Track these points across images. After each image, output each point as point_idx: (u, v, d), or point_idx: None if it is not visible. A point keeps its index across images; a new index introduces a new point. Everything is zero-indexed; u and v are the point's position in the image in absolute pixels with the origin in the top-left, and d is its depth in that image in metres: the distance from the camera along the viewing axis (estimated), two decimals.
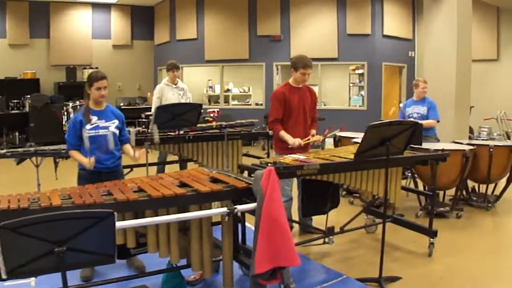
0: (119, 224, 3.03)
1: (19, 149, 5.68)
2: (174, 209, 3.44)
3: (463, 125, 10.34)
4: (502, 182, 7.38)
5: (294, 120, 5.58)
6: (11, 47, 15.10)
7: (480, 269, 4.92)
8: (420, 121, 6.80)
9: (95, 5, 16.05)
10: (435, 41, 10.38)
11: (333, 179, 4.53)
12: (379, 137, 4.16)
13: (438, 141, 7.49)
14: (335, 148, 7.17)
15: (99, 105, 4.62)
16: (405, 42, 14.71)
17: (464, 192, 7.39)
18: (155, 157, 7.75)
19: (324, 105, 14.96)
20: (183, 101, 7.73)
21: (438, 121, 7.40)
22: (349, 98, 15.22)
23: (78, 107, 11.45)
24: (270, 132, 6.00)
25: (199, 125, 6.70)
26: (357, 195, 7.26)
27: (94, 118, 4.54)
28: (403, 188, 5.71)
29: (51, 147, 5.70)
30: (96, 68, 14.97)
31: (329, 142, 9.18)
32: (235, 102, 16.36)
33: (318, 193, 5.07)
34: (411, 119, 7.19)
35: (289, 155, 4.80)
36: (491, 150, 6.85)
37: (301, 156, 4.67)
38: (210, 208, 3.62)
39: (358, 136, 6.81)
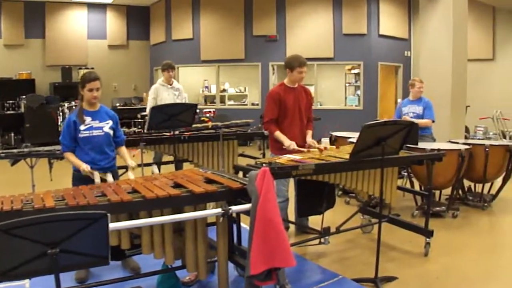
0: (112, 225, 3.01)
1: (14, 150, 5.65)
2: (169, 210, 3.43)
3: (459, 125, 10.34)
4: (498, 181, 7.38)
5: (290, 120, 5.56)
6: (6, 48, 15.06)
7: (476, 269, 4.92)
8: (415, 120, 6.82)
9: (90, 5, 16.02)
10: (431, 41, 10.38)
11: (329, 179, 4.52)
12: (374, 137, 4.15)
13: (434, 140, 7.49)
14: (331, 147, 7.15)
15: (93, 106, 4.60)
16: (401, 41, 14.72)
17: (460, 192, 7.38)
18: (150, 158, 7.72)
19: (320, 105, 14.95)
20: (178, 101, 7.71)
21: (433, 121, 7.40)
22: (345, 98, 15.22)
23: (74, 107, 11.42)
24: (266, 133, 5.98)
25: (194, 125, 6.67)
26: (353, 195, 7.24)
27: (88, 119, 4.52)
28: (399, 188, 5.70)
29: (46, 148, 5.67)
30: (92, 68, 14.94)
31: (325, 142, 9.17)
32: (231, 102, 16.33)
33: (314, 193, 5.06)
34: (406, 117, 7.22)
35: (284, 155, 4.78)
36: (487, 149, 6.85)
37: (296, 156, 4.66)
38: (205, 209, 3.60)
39: (354, 136, 6.80)
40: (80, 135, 4.44)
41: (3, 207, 2.99)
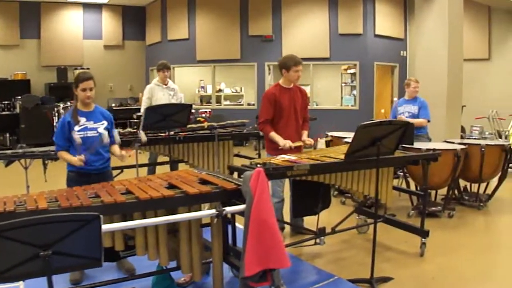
0: (106, 227, 3.00)
1: (8, 151, 5.61)
2: (163, 211, 3.41)
3: (455, 124, 10.35)
4: (494, 181, 7.39)
5: (285, 121, 5.55)
6: (1, 48, 15.02)
7: (472, 269, 4.91)
8: (411, 120, 6.82)
9: (86, 5, 15.98)
10: (426, 41, 10.39)
11: (324, 179, 4.51)
12: (369, 137, 4.13)
13: (430, 140, 7.49)
14: (326, 148, 7.15)
15: (87, 106, 4.57)
16: (397, 41, 14.72)
17: (456, 192, 7.38)
18: (146, 158, 7.70)
19: (316, 105, 14.97)
20: (173, 101, 7.69)
21: (428, 121, 7.39)
22: (341, 98, 15.23)
23: (69, 108, 11.39)
24: (261, 133, 5.97)
25: (189, 125, 6.65)
26: (349, 195, 7.24)
27: (82, 120, 4.49)
28: (395, 188, 5.69)
29: (40, 149, 5.63)
30: (88, 68, 14.90)
31: (321, 142, 9.17)
32: (227, 102, 16.32)
33: (309, 193, 5.05)
34: (402, 117, 7.20)
35: (280, 156, 4.77)
36: (482, 149, 6.85)
37: (291, 157, 4.64)
38: (199, 209, 3.58)
39: (350, 136, 6.79)
40: (75, 136, 4.41)
41: None
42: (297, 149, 5.51)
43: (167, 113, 5.89)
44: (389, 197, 5.10)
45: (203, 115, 13.35)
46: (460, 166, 6.59)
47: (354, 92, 14.52)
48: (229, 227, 4.12)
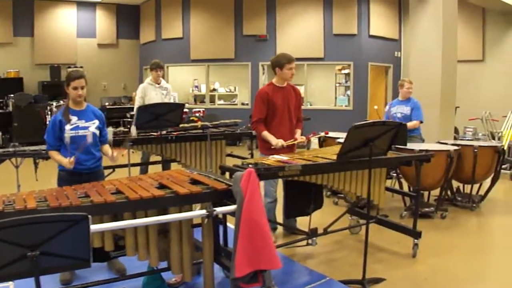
0: (95, 227, 2.97)
1: None
2: (153, 211, 3.38)
3: (448, 125, 10.37)
4: (487, 182, 7.39)
5: (279, 120, 5.53)
6: None
7: (464, 270, 4.91)
8: (403, 123, 6.80)
9: (80, 4, 15.95)
10: (421, 42, 10.40)
11: (316, 180, 4.49)
12: (362, 138, 4.12)
13: (423, 141, 7.49)
14: (320, 148, 7.13)
15: (79, 104, 4.54)
16: (391, 42, 14.73)
17: (449, 192, 7.38)
18: (138, 158, 7.67)
19: (310, 105, 14.96)
20: (166, 101, 7.65)
21: (421, 122, 7.38)
22: (335, 98, 15.23)
23: (62, 106, 11.35)
24: (254, 132, 5.95)
25: (182, 125, 6.62)
26: (342, 195, 7.23)
27: (74, 118, 4.45)
28: (388, 188, 5.68)
29: (31, 148, 5.60)
30: (81, 67, 14.88)
31: (315, 142, 9.15)
32: (221, 101, 16.31)
33: (301, 194, 5.03)
34: (395, 120, 7.19)
35: (272, 156, 4.75)
36: (475, 150, 6.85)
37: (284, 157, 4.63)
38: (190, 210, 3.56)
39: (343, 136, 6.77)
40: (66, 135, 4.38)
41: None
42: (290, 149, 5.50)
43: (159, 112, 5.86)
44: (381, 198, 5.08)
45: (197, 114, 13.32)
46: (453, 167, 6.59)
47: (348, 92, 14.53)
48: (221, 228, 4.11)
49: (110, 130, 4.98)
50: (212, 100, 16.06)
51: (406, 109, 7.39)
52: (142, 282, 4.19)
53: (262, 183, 4.72)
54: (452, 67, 10.30)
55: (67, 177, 4.38)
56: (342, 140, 6.01)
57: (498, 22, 14.02)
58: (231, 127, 7.22)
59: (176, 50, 15.41)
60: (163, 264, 3.80)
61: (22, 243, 2.39)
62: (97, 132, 4.58)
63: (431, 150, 5.93)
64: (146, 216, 3.34)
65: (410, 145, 6.34)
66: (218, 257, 3.91)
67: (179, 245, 3.57)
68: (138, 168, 7.57)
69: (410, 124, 7.08)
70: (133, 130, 5.96)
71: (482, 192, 7.44)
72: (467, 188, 7.41)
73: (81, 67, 15.11)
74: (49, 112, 13.32)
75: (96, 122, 4.58)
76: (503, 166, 8.47)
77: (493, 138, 10.73)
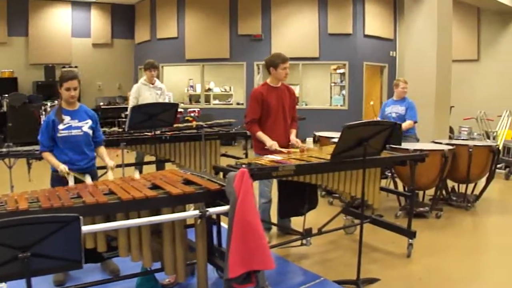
0: (87, 228, 2.96)
1: None
2: (146, 212, 3.36)
3: (443, 125, 10.37)
4: (482, 181, 7.39)
5: (273, 120, 5.52)
6: None
7: (459, 270, 4.90)
8: (398, 123, 6.79)
9: (74, 3, 15.93)
10: (415, 41, 10.40)
11: (310, 180, 4.47)
12: (356, 138, 4.10)
13: (418, 141, 7.49)
14: (314, 148, 7.12)
15: (72, 105, 4.51)
16: (387, 42, 14.75)
17: (443, 192, 7.38)
18: (132, 158, 7.64)
19: (306, 104, 14.96)
20: (160, 100, 7.63)
21: (415, 122, 7.37)
22: (330, 98, 15.26)
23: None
24: (249, 132, 5.93)
25: (176, 125, 6.60)
26: (337, 195, 7.22)
27: (67, 118, 4.43)
28: (382, 188, 5.67)
29: (24, 148, 5.57)
30: (76, 67, 14.85)
31: (309, 141, 9.16)
32: (216, 101, 16.29)
33: (295, 194, 5.01)
34: (389, 119, 7.18)
35: (266, 156, 4.74)
36: (470, 150, 6.85)
37: (277, 157, 4.61)
38: (183, 210, 3.54)
39: (338, 136, 6.77)
40: (59, 135, 4.36)
41: None
42: (285, 148, 5.49)
43: (153, 112, 5.84)
44: (376, 197, 5.06)
45: (192, 114, 13.29)
46: (447, 167, 6.60)
47: (344, 92, 14.55)
48: (215, 228, 4.09)
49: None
50: (207, 100, 16.05)
51: (401, 109, 7.39)
52: (135, 283, 4.16)
53: (256, 183, 4.72)
54: (447, 67, 10.31)
55: (60, 178, 4.34)
56: (336, 140, 6.02)
57: (493, 22, 14.04)
58: (226, 127, 7.20)
59: (171, 50, 15.40)
60: (157, 265, 3.78)
61: (13, 245, 2.37)
62: (90, 132, 4.55)
63: (425, 149, 5.94)
64: (139, 217, 3.32)
65: (404, 145, 6.35)
66: (211, 257, 3.90)
67: (172, 245, 3.56)
68: (132, 168, 7.54)
69: (404, 125, 7.08)
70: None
71: (477, 192, 7.43)
72: (462, 187, 7.40)
73: (76, 67, 15.09)
74: (43, 112, 13.29)
75: (89, 122, 4.56)
76: (498, 166, 8.47)
77: (488, 138, 10.74)
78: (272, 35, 14.42)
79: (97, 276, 4.40)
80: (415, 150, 5.87)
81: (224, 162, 5.54)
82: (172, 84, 15.34)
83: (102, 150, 4.72)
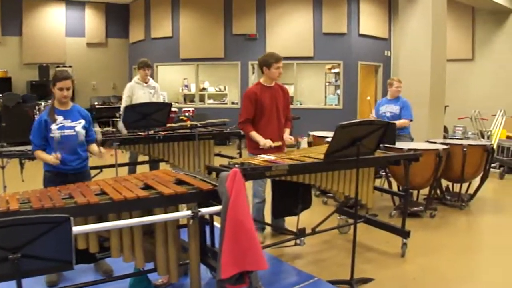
0: (79, 228, 2.94)
1: None
2: (138, 212, 3.34)
3: (438, 124, 10.39)
4: (476, 181, 7.40)
5: (267, 119, 5.51)
6: None
7: (453, 269, 4.90)
8: (393, 122, 6.80)
9: (68, 3, 15.87)
10: (410, 41, 10.41)
11: (303, 179, 4.45)
12: (349, 137, 4.09)
13: (412, 140, 7.49)
14: (308, 147, 7.12)
15: (65, 104, 4.50)
16: (381, 41, 14.75)
17: (438, 192, 7.39)
18: (126, 158, 7.62)
19: (300, 104, 14.94)
20: (154, 100, 7.61)
21: (411, 120, 7.38)
22: (325, 97, 15.25)
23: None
24: (243, 132, 5.92)
25: (169, 124, 6.58)
26: (331, 195, 7.20)
27: (59, 118, 4.41)
28: (376, 188, 5.67)
29: (17, 148, 5.54)
30: (70, 66, 14.82)
31: (304, 141, 9.15)
32: (211, 101, 16.26)
33: (289, 194, 5.00)
34: (384, 119, 7.17)
35: (259, 156, 4.73)
36: (464, 149, 6.85)
37: (271, 157, 4.59)
38: (176, 210, 3.52)
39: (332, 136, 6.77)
40: (51, 135, 4.34)
41: None
42: (279, 148, 5.48)
43: (147, 112, 5.82)
44: (370, 197, 5.05)
45: (186, 114, 13.28)
46: (442, 166, 6.60)
47: (338, 91, 14.54)
48: (208, 228, 4.08)
49: (98, 131, 4.92)
50: (201, 100, 16.01)
51: (395, 108, 7.39)
52: (128, 283, 4.15)
53: (250, 183, 4.71)
54: (441, 66, 10.32)
55: (53, 178, 4.35)
56: (330, 140, 6.02)
57: (487, 22, 14.05)
58: (220, 126, 7.18)
59: (166, 49, 15.36)
60: (150, 266, 3.76)
61: (4, 246, 2.37)
62: (83, 131, 4.53)
63: (420, 149, 5.94)
64: (131, 217, 3.30)
65: (399, 144, 6.35)
66: (204, 257, 3.88)
67: (164, 246, 3.54)
68: (126, 168, 7.52)
69: (399, 123, 7.09)
70: (121, 127, 5.87)
71: (471, 191, 7.43)
72: (456, 187, 7.40)
73: (70, 66, 15.05)
74: (37, 112, 13.20)
75: (82, 121, 4.54)
76: (492, 165, 8.48)
77: (483, 137, 10.75)
78: (266, 35, 14.40)
79: (90, 277, 4.39)
80: (409, 150, 5.87)
81: (218, 162, 5.51)
82: (167, 83, 15.31)
83: (93, 145, 4.70)
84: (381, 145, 4.62)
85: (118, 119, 13.17)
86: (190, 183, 3.66)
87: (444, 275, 4.73)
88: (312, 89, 15.67)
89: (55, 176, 4.35)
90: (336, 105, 14.51)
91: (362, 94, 14.29)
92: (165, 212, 3.41)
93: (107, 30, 16.64)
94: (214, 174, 4.29)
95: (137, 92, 7.55)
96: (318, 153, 4.78)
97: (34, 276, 2.61)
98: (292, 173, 4.29)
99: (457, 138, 11.10)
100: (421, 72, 10.01)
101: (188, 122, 7.21)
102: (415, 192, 7.15)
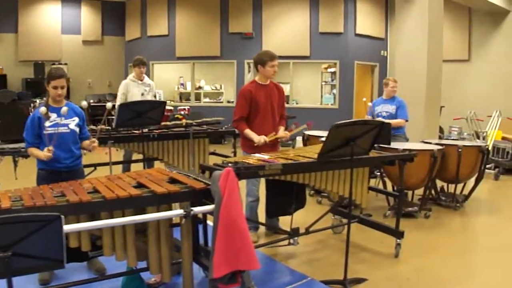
0: (70, 227, 2.93)
1: None
2: (130, 211, 3.32)
3: (433, 125, 10.39)
4: (471, 182, 7.40)
5: (262, 118, 5.50)
6: None
7: (447, 270, 4.90)
8: (388, 121, 6.81)
9: (64, 0, 15.78)
10: (406, 41, 10.41)
11: (297, 179, 4.44)
12: (343, 137, 4.08)
13: (407, 140, 7.49)
14: (303, 147, 7.11)
15: (59, 102, 4.47)
16: (378, 41, 14.74)
17: (432, 192, 7.39)
18: (121, 156, 7.60)
19: (296, 103, 14.94)
20: (149, 97, 7.60)
21: (406, 120, 7.38)
22: (321, 97, 15.24)
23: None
24: (237, 131, 5.91)
25: (163, 123, 6.57)
26: (325, 194, 7.19)
27: (53, 115, 4.39)
28: (371, 188, 5.66)
29: (10, 146, 5.52)
30: (66, 64, 14.79)
31: (300, 141, 9.14)
32: (207, 99, 16.24)
33: (283, 193, 4.98)
34: (380, 118, 7.16)
35: (253, 155, 4.71)
36: (459, 150, 6.85)
37: (265, 156, 4.58)
38: (169, 209, 3.51)
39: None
40: (45, 132, 4.32)
41: None
42: (274, 146, 5.47)
43: (141, 110, 5.81)
44: (364, 197, 5.04)
45: (182, 112, 13.26)
46: (437, 167, 6.60)
47: (334, 91, 14.54)
48: (201, 227, 4.06)
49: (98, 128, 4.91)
50: (197, 98, 15.98)
51: (391, 108, 7.38)
52: (121, 282, 4.13)
53: (244, 182, 4.69)
54: (437, 67, 10.33)
55: (46, 176, 4.33)
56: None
57: (484, 22, 14.07)
58: (215, 125, 7.17)
59: (162, 47, 15.33)
60: (143, 264, 3.75)
61: None
62: (77, 129, 4.51)
63: (414, 149, 5.93)
64: (123, 216, 3.28)
65: (394, 144, 6.35)
66: (197, 256, 3.86)
67: (157, 245, 3.52)
68: (120, 167, 7.51)
69: (394, 122, 7.09)
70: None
71: (466, 192, 7.45)
72: (451, 187, 7.39)
73: (66, 64, 15.01)
74: (32, 109, 13.19)
75: (76, 119, 4.52)
76: (488, 166, 8.48)
77: (478, 138, 10.76)
78: (263, 33, 14.39)
79: (82, 275, 4.37)
80: (404, 150, 5.87)
81: (213, 160, 5.51)
82: (163, 81, 15.29)
83: (85, 141, 4.67)
84: (376, 145, 4.60)
85: (113, 117, 13.16)
86: (183, 182, 3.65)
87: (438, 276, 4.73)
88: (308, 89, 15.66)
89: (49, 174, 4.33)
90: (332, 104, 14.50)
91: (358, 93, 14.29)
92: (158, 211, 3.39)
93: (103, 28, 16.57)
94: (207, 173, 4.28)
95: (132, 89, 7.53)
96: (313, 152, 4.76)
97: (25, 274, 2.59)
98: (285, 173, 4.28)
99: (453, 139, 11.11)
100: (417, 72, 10.02)
101: (184, 121, 7.18)
102: (409, 193, 7.15)
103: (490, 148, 9.32)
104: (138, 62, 7.57)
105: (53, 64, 14.70)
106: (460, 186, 7.30)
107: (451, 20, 13.96)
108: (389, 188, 7.03)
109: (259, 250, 5.07)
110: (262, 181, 5.61)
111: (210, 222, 3.96)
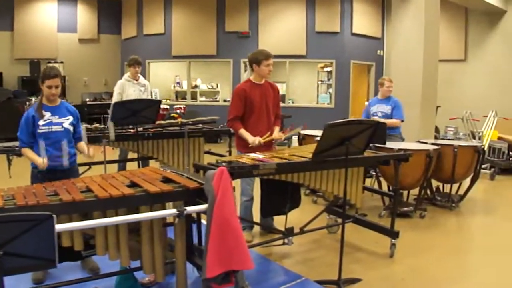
0: (62, 226, 2.91)
1: None
2: (123, 210, 3.30)
3: (429, 124, 10.38)
4: (466, 182, 7.40)
5: (257, 117, 5.47)
6: None
7: (443, 270, 4.89)
8: (384, 120, 6.81)
9: None
10: (403, 41, 10.40)
11: (292, 178, 4.42)
12: (338, 137, 4.06)
13: (403, 140, 7.48)
14: (299, 146, 7.10)
15: (53, 101, 4.46)
16: (374, 40, 14.77)
17: (428, 192, 7.38)
18: (116, 155, 7.57)
19: (292, 102, 14.96)
20: (144, 97, 7.58)
21: (402, 121, 7.38)
22: (317, 96, 15.27)
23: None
24: (232, 130, 5.90)
25: (158, 122, 6.55)
26: (321, 194, 7.16)
27: (47, 114, 4.38)
28: (366, 188, 5.66)
29: (5, 144, 5.50)
30: (61, 62, 14.75)
31: (295, 140, 9.12)
32: (203, 98, 16.24)
33: (277, 193, 4.96)
34: (375, 118, 7.16)
35: (248, 154, 4.69)
36: (455, 150, 6.85)
37: (260, 156, 4.57)
38: (163, 208, 3.49)
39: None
40: (39, 131, 4.31)
41: None
42: (269, 146, 5.46)
43: (136, 108, 5.79)
44: (358, 197, 5.03)
45: (178, 111, 13.25)
46: (432, 167, 6.59)
47: (330, 90, 14.55)
48: (195, 226, 4.05)
49: (83, 127, 4.88)
50: (193, 97, 15.99)
51: (387, 108, 7.38)
52: (115, 281, 4.12)
53: (239, 181, 4.68)
54: (433, 66, 10.32)
55: (40, 175, 4.30)
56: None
57: (481, 22, 14.08)
58: (210, 124, 7.16)
59: (158, 46, 15.32)
60: (137, 264, 3.73)
61: None
62: (71, 128, 4.51)
63: (410, 149, 5.93)
64: (116, 215, 3.27)
65: (389, 144, 6.33)
66: (191, 256, 3.85)
67: (150, 244, 3.50)
68: (115, 165, 7.49)
69: (390, 122, 7.08)
70: (111, 127, 5.82)
71: (461, 192, 7.45)
72: (447, 187, 7.40)
73: (62, 62, 14.99)
74: (28, 108, 13.15)
75: (70, 118, 4.51)
76: (483, 166, 8.49)
77: (474, 138, 10.76)
78: (259, 32, 14.39)
79: (76, 274, 4.36)
80: (400, 150, 5.86)
81: (208, 159, 5.50)
82: (159, 80, 15.29)
83: (82, 143, 4.67)
84: (371, 144, 4.59)
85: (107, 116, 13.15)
86: (177, 181, 3.63)
87: (433, 276, 4.73)
88: (304, 88, 15.69)
89: (43, 173, 4.30)
90: (328, 104, 14.52)
91: (354, 93, 14.32)
92: (151, 210, 3.37)
93: (99, 26, 16.56)
94: (202, 172, 4.27)
95: (127, 89, 7.52)
96: (308, 152, 4.75)
97: (17, 274, 2.57)
98: (280, 172, 4.26)
99: (449, 139, 11.11)
100: (413, 72, 10.01)
101: (179, 120, 7.17)
102: (405, 193, 7.15)
103: (486, 148, 9.33)
104: (134, 61, 7.55)
105: (49, 62, 14.68)
106: (455, 186, 7.32)
107: (447, 20, 13.98)
108: (385, 188, 7.03)
109: (254, 250, 5.06)
110: (257, 180, 5.60)
111: (204, 221, 3.97)
